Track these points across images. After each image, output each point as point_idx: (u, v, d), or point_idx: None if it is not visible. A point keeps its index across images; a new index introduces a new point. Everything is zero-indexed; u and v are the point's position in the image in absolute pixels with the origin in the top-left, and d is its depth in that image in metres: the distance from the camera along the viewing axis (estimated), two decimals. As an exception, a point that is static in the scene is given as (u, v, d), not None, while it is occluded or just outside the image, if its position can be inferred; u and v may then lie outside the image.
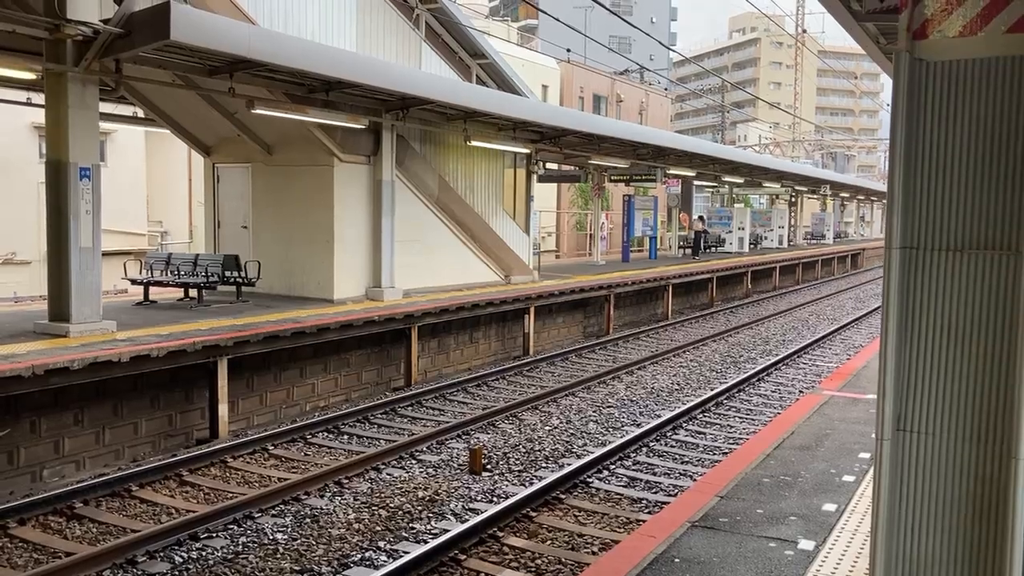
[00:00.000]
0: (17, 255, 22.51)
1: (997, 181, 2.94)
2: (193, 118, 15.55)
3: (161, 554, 7.08)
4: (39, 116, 14.26)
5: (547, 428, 11.34)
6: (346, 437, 10.97)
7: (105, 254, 11.52)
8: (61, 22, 10.09)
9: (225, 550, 7.20)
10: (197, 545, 7.27)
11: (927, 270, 3.05)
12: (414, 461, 9.77)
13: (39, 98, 12.74)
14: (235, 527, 7.68)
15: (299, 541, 7.39)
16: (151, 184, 26.91)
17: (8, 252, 22.36)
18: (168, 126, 16.07)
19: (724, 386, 13.55)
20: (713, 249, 35.24)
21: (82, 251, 10.73)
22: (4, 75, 11.80)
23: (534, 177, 20.91)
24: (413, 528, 7.71)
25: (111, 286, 17.53)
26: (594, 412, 12.28)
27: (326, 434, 11.03)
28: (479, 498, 8.54)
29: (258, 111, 12.50)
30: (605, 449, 9.78)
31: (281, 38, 12.01)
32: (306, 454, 10.19)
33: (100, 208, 10.94)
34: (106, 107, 13.91)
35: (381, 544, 7.33)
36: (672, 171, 27.86)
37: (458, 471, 9.43)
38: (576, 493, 8.64)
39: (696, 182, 34.21)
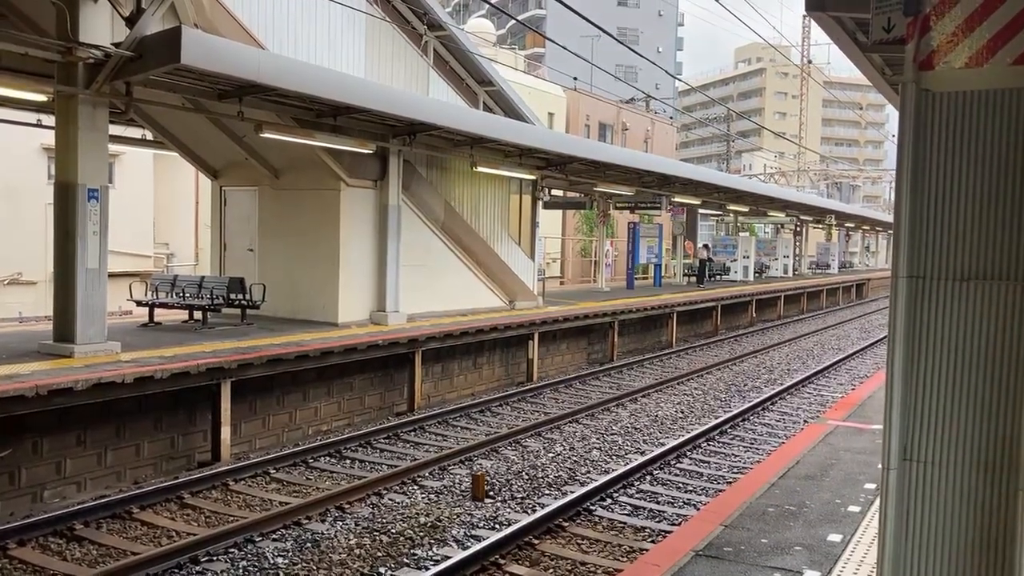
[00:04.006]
0: (23, 275, 22.57)
1: (1003, 211, 2.95)
2: (201, 141, 15.66)
3: (161, 577, 7.04)
4: (48, 138, 14.40)
5: (550, 455, 11.29)
6: (348, 461, 10.93)
7: (111, 275, 11.55)
8: (73, 45, 10.19)
9: (226, 574, 7.16)
10: (197, 569, 7.23)
11: (934, 299, 3.05)
12: (416, 487, 9.72)
13: (49, 120, 12.85)
14: (236, 551, 7.63)
15: (300, 566, 7.34)
16: (158, 206, 27.03)
17: (14, 272, 22.43)
18: (176, 149, 16.18)
19: (728, 415, 13.49)
20: (718, 277, 35.23)
21: (88, 272, 10.77)
22: (15, 97, 11.90)
23: (539, 203, 20.97)
24: (414, 554, 7.66)
25: (116, 307, 17.55)
26: (598, 439, 12.23)
27: (328, 458, 10.99)
28: (481, 525, 8.48)
29: (266, 135, 12.57)
30: (608, 477, 9.73)
31: (291, 63, 12.12)
32: (308, 478, 10.14)
33: (107, 229, 11.00)
34: (115, 129, 14.01)
35: (382, 570, 7.28)
36: (677, 199, 27.93)
37: (460, 497, 9.38)
38: (579, 521, 8.59)
39: (701, 210, 34.24)
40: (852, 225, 55.26)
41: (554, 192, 24.73)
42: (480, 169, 17.15)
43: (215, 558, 7.45)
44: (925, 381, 3.07)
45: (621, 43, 17.63)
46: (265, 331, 13.68)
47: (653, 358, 20.59)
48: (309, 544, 7.85)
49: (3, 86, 10.73)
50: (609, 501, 9.25)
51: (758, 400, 14.77)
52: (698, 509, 8.71)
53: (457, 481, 9.96)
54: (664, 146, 47.25)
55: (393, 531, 8.23)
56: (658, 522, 8.62)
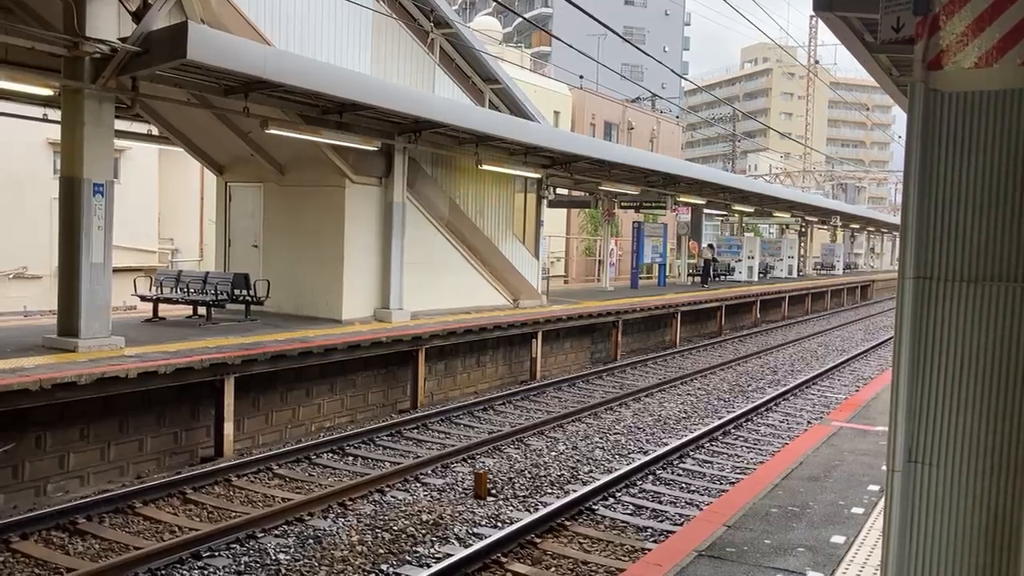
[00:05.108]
0: (28, 269, 22.61)
1: (1012, 212, 2.93)
2: (207, 137, 15.66)
3: (163, 572, 7.05)
4: (54, 132, 14.40)
5: (553, 454, 11.28)
6: (351, 458, 10.93)
7: (115, 270, 11.56)
8: (79, 39, 10.20)
9: (227, 570, 7.16)
10: (199, 564, 7.24)
11: (941, 301, 3.03)
12: (419, 484, 9.72)
13: (55, 114, 12.87)
14: (238, 547, 7.63)
15: (302, 563, 7.34)
16: (163, 202, 27.06)
17: (19, 266, 22.47)
18: (182, 144, 16.19)
19: (732, 415, 13.47)
20: (722, 277, 35.18)
21: (93, 267, 10.78)
22: (22, 91, 11.92)
23: (544, 202, 20.95)
24: (416, 552, 7.66)
25: (121, 302, 17.58)
26: (600, 439, 12.21)
27: (331, 455, 10.99)
28: (483, 523, 8.48)
29: (272, 131, 12.57)
30: (611, 476, 9.72)
31: (297, 59, 12.12)
32: (310, 475, 10.15)
33: (112, 224, 11.01)
34: (121, 124, 14.02)
35: (384, 567, 7.27)
36: (682, 199, 27.91)
37: (463, 495, 9.37)
38: (581, 520, 8.58)
39: (706, 210, 34.21)
40: (857, 226, 55.16)
41: (559, 191, 24.71)
42: (485, 167, 17.13)
43: (217, 553, 7.46)
44: (931, 383, 3.05)
45: (628, 42, 17.63)
46: (269, 327, 13.69)
47: (657, 358, 20.57)
48: (311, 540, 7.85)
49: (9, 80, 10.74)
50: (612, 500, 9.24)
51: (762, 401, 14.75)
52: (701, 509, 8.70)
53: (459, 479, 9.96)
54: (670, 145, 47.20)
55: (395, 528, 8.23)
56: (660, 522, 8.61)
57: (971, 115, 3.00)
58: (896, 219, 49.78)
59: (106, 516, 8.36)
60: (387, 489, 9.45)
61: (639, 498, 9.41)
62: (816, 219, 43.88)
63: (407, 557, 7.52)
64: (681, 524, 8.24)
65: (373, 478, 9.55)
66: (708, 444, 11.95)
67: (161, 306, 14.71)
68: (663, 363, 20.07)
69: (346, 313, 15.03)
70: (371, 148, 14.52)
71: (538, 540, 7.88)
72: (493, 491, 9.51)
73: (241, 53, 10.70)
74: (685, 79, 44.84)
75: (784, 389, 16.06)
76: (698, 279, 32.24)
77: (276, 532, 8.03)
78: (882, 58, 8.32)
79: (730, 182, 28.73)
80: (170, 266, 25.87)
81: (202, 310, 14.39)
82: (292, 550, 7.61)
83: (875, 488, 6.99)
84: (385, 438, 11.92)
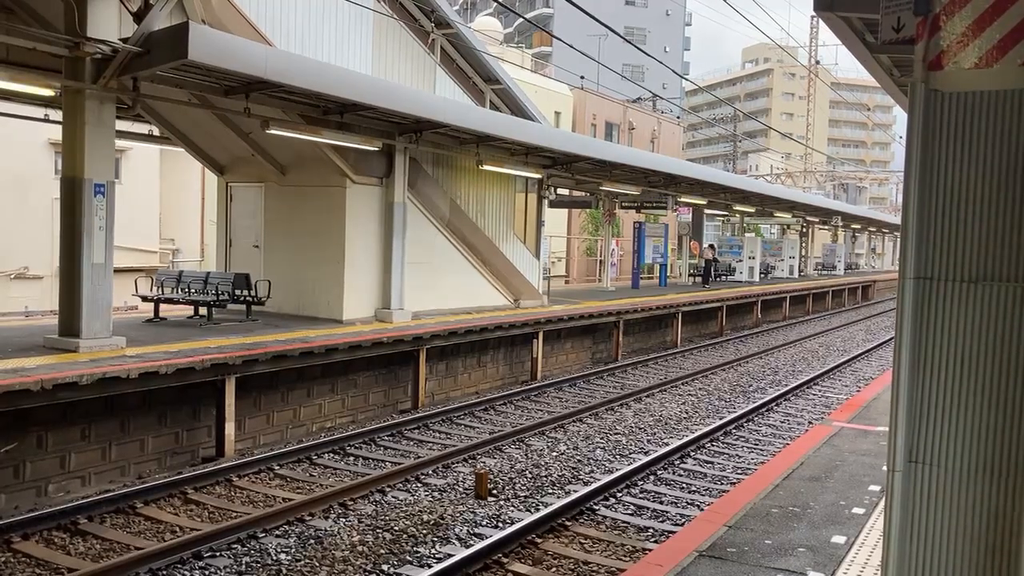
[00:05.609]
0: (29, 269, 22.61)
1: (1012, 212, 2.93)
2: (208, 137, 15.67)
3: (164, 572, 7.05)
4: (55, 132, 14.40)
5: (554, 454, 11.28)
6: (352, 459, 10.93)
7: (117, 271, 11.57)
8: (81, 40, 10.21)
9: (228, 570, 7.16)
10: (200, 564, 7.24)
11: (941, 301, 3.03)
12: (419, 484, 9.72)
13: (56, 115, 12.87)
14: (239, 547, 7.64)
15: (303, 563, 7.34)
16: (164, 202, 27.05)
17: (21, 266, 22.48)
18: (183, 145, 16.19)
19: (733, 415, 13.47)
20: (723, 278, 35.17)
21: (94, 267, 10.79)
22: (23, 91, 11.92)
23: (545, 202, 20.95)
24: (417, 552, 7.66)
25: (122, 302, 17.59)
26: (601, 439, 12.21)
27: (332, 455, 10.99)
28: (484, 523, 8.48)
29: (273, 131, 12.57)
30: (612, 476, 9.72)
31: (298, 60, 12.12)
32: (311, 475, 10.15)
33: (113, 225, 11.02)
34: (122, 125, 14.01)
35: (385, 568, 7.27)
36: (683, 199, 27.90)
37: (464, 495, 9.37)
38: (582, 520, 8.58)
39: (707, 211, 34.21)
40: (858, 226, 55.15)
41: (560, 191, 24.71)
42: (486, 167, 17.14)
43: (218, 554, 7.46)
44: (932, 383, 3.05)
45: (628, 42, 17.62)
46: (270, 327, 13.69)
47: (658, 358, 20.57)
48: (312, 541, 7.85)
49: (11, 80, 10.74)
50: (612, 501, 9.24)
51: (763, 401, 14.74)
52: (702, 509, 8.70)
53: (460, 479, 9.96)
54: (670, 146, 47.19)
55: (396, 528, 8.23)
56: (661, 522, 8.61)
57: (972, 115, 3.00)
58: (897, 219, 49.75)
59: (107, 516, 8.36)
60: (388, 489, 9.46)
61: (640, 498, 9.41)
62: (817, 219, 43.88)
63: (408, 557, 7.53)
64: (682, 524, 8.24)
65: (374, 478, 9.56)
66: (709, 444, 11.95)
67: (162, 306, 14.71)
68: (664, 363, 20.06)
69: (347, 313, 15.03)
70: (372, 148, 14.53)
71: (539, 540, 7.88)
72: (494, 491, 9.51)
73: (242, 53, 10.70)
74: (686, 79, 44.91)
75: (785, 389, 16.06)
76: (699, 279, 32.24)
77: (277, 532, 8.04)
78: (883, 58, 8.33)
79: (731, 182, 28.71)
80: (171, 266, 25.88)
81: (203, 310, 14.39)
82: (293, 550, 7.61)
83: (876, 488, 6.99)
84: (386, 438, 11.93)
